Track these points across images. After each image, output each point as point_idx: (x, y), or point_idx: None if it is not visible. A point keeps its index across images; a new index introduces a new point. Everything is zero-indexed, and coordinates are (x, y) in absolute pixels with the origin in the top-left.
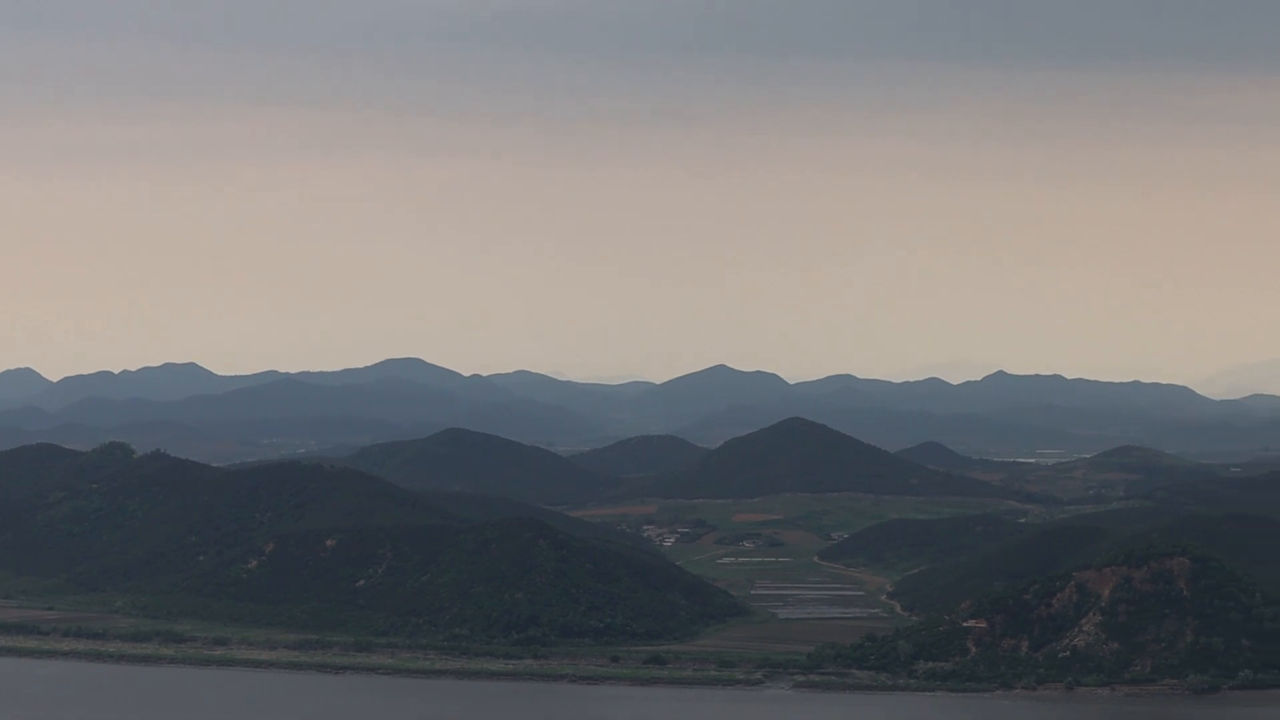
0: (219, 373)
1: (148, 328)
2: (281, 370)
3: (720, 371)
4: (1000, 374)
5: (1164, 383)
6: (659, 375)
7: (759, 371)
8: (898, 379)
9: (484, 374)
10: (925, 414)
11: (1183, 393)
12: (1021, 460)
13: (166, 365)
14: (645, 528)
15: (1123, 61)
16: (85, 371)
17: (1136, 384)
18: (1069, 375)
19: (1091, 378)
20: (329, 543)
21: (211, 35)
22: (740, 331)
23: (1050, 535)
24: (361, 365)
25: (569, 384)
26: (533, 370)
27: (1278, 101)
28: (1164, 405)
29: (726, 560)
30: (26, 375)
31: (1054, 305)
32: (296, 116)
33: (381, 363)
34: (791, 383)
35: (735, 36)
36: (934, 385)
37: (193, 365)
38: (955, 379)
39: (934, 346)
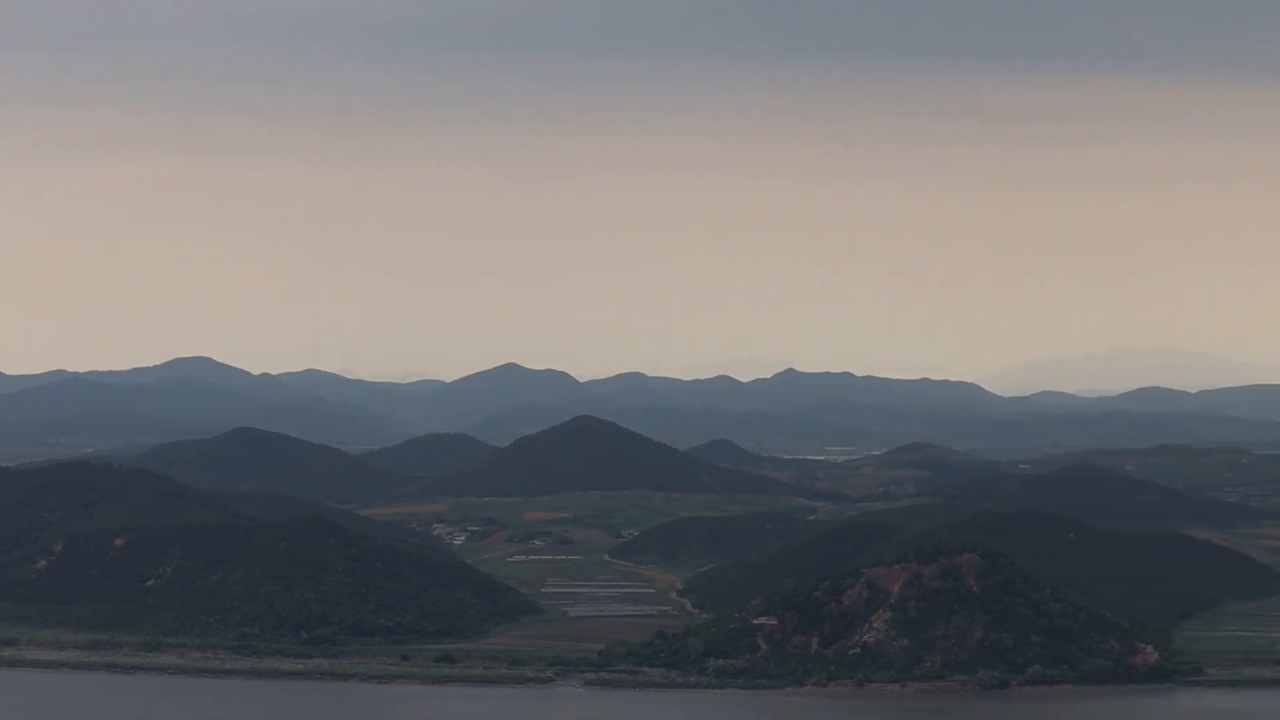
0: (6, 372)
1: None
2: (69, 369)
3: (510, 370)
4: (790, 371)
5: (953, 380)
6: (449, 374)
7: (549, 370)
8: (687, 377)
9: (273, 373)
10: (715, 411)
11: (972, 390)
12: (811, 458)
13: None
14: (435, 526)
15: (912, 59)
16: None
17: (926, 381)
18: (859, 373)
19: (881, 375)
20: (118, 542)
21: None
22: (531, 330)
23: (840, 532)
24: (150, 364)
25: (359, 382)
26: (322, 369)
27: (1068, 100)
28: (953, 402)
29: (517, 558)
30: None
31: (844, 303)
32: (81, 115)
33: (170, 362)
34: (582, 381)
35: (523, 36)
36: (724, 383)
37: None
38: (745, 377)
39: (724, 344)
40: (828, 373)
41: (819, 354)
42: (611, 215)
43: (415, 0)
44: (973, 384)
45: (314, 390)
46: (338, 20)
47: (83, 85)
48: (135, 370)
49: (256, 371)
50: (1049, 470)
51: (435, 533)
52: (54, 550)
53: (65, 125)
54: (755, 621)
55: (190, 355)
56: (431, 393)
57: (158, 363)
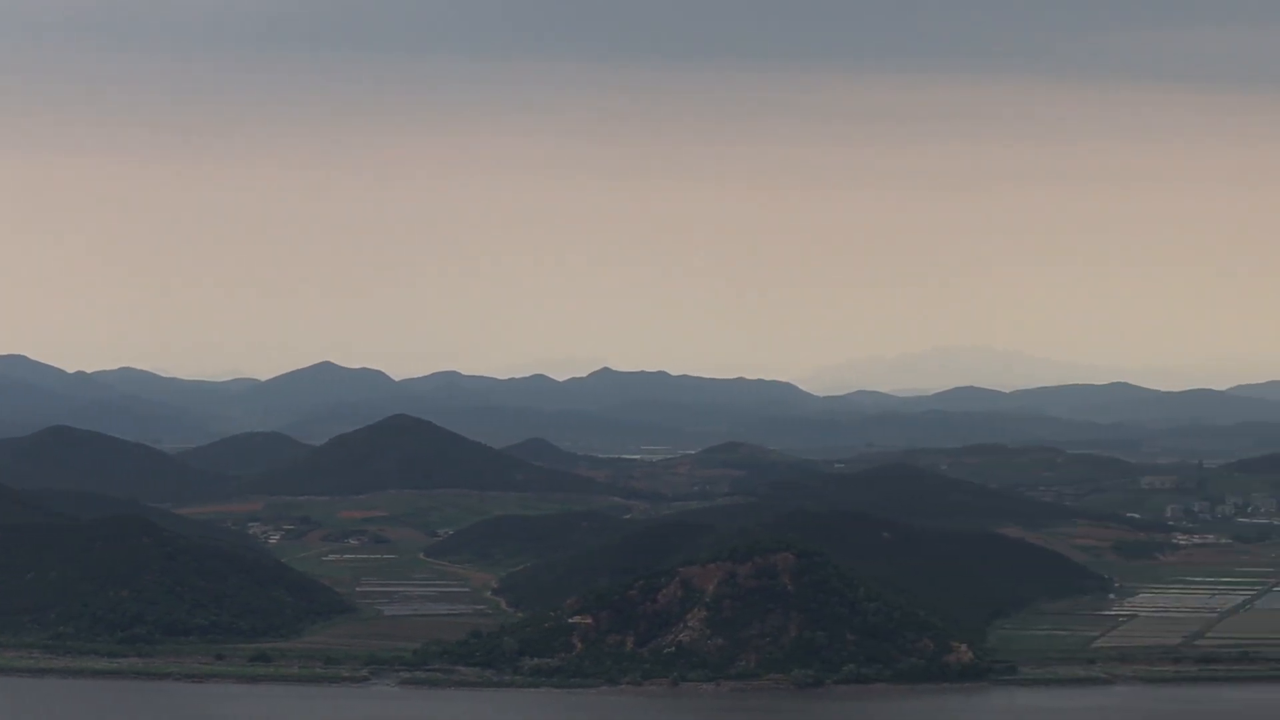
0: None
1: None
2: None
3: (326, 368)
4: (606, 370)
5: (769, 379)
6: (264, 372)
7: (365, 368)
8: (503, 376)
9: (88, 371)
10: (531, 410)
11: (787, 389)
12: (627, 456)
13: None
14: (250, 525)
15: (726, 59)
16: None
17: (741, 381)
18: (674, 372)
19: (696, 374)
20: None
21: None
22: (346, 328)
23: (655, 531)
24: None
25: (174, 381)
26: (138, 367)
27: (885, 100)
28: (768, 402)
29: (332, 557)
30: None
31: (660, 302)
32: None
33: None
34: (397, 380)
35: (338, 36)
36: (540, 382)
37: None
38: (561, 376)
39: (539, 343)
40: (643, 372)
41: (634, 353)
42: (426, 214)
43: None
44: (788, 383)
45: (130, 388)
46: (154, 18)
47: None
48: None
49: (71, 369)
50: (864, 469)
51: (251, 532)
52: None
53: None
54: (570, 620)
55: (3, 354)
56: (247, 391)
57: None
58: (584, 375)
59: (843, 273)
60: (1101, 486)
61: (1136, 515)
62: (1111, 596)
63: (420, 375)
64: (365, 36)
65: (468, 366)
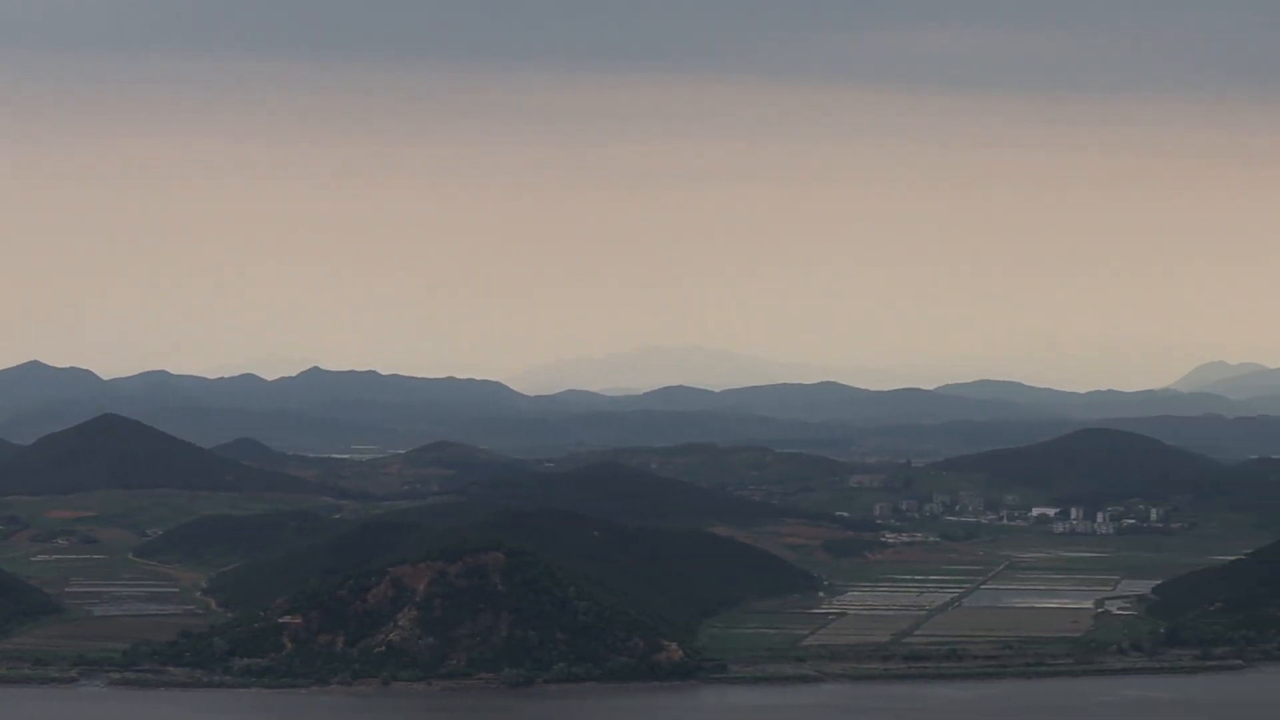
0: None
1: None
2: None
3: (33, 368)
4: (316, 370)
5: (478, 379)
6: None
7: (73, 367)
8: (212, 375)
9: None
10: (241, 410)
11: (497, 388)
12: (337, 456)
13: None
14: None
15: (435, 58)
16: None
17: (451, 380)
18: (384, 371)
19: (406, 374)
20: None
21: None
22: (54, 328)
23: (365, 531)
24: None
25: None
26: None
27: (596, 98)
28: (478, 401)
29: (40, 558)
30: None
31: (369, 301)
32: None
33: None
34: (106, 379)
35: (35, 33)
36: (249, 381)
37: None
38: (271, 375)
39: (249, 343)
40: (353, 371)
41: (344, 352)
42: (135, 214)
43: None
44: (498, 383)
45: None
46: None
47: None
48: None
49: None
50: (574, 469)
51: None
52: None
53: None
54: (280, 620)
55: None
56: None
57: None
58: (294, 375)
59: (552, 272)
60: (810, 485)
61: (845, 514)
62: (821, 595)
63: (129, 375)
64: (69, 36)
65: (177, 366)
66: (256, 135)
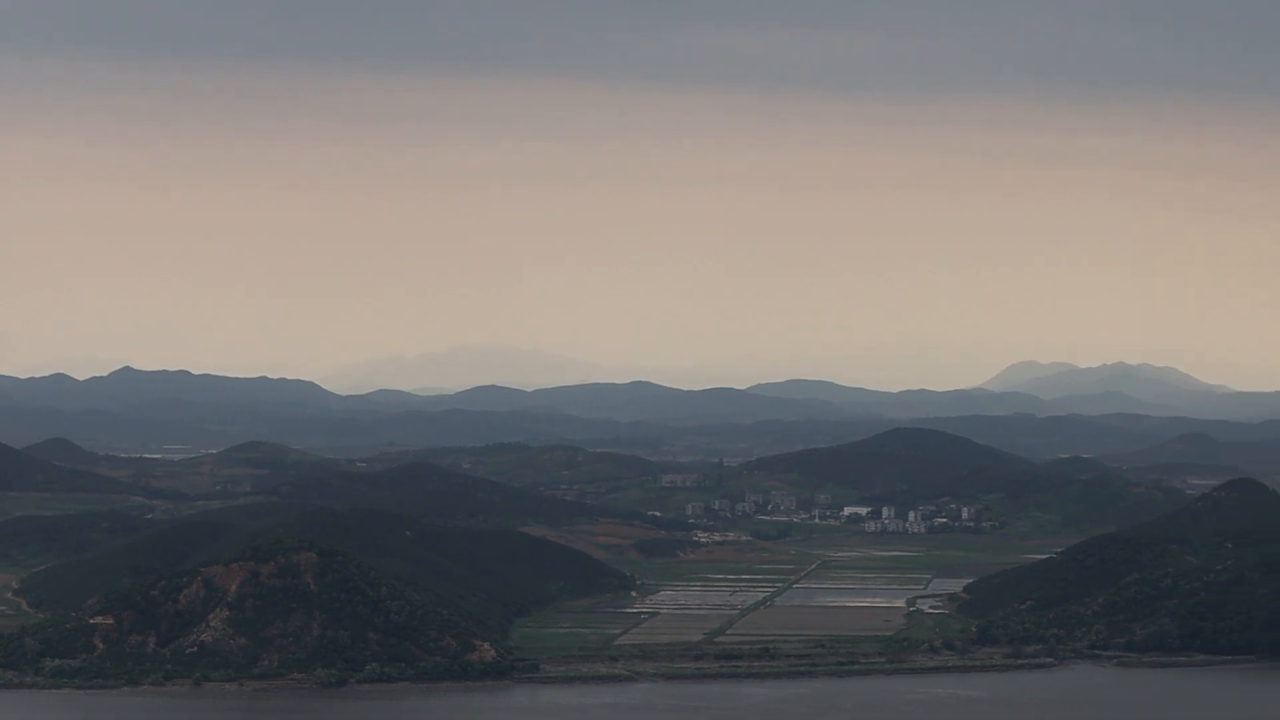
0: None
1: None
2: None
3: None
4: (127, 369)
5: (290, 378)
6: None
7: None
8: (23, 375)
9: None
10: (52, 410)
11: (309, 388)
12: (149, 456)
13: None
14: None
15: (253, 58)
16: None
17: (264, 380)
18: (196, 371)
19: (219, 373)
20: None
21: None
22: None
23: (177, 531)
24: None
25: None
26: None
27: (396, 99)
28: (291, 401)
29: None
30: None
31: (181, 301)
32: None
33: None
34: None
35: None
36: (60, 381)
37: None
38: (82, 375)
39: (60, 343)
40: (165, 370)
41: (156, 352)
42: None
43: None
44: (310, 382)
45: None
46: None
47: None
48: None
49: None
50: (386, 468)
51: None
52: None
53: None
54: (91, 621)
55: None
56: None
57: None
58: (105, 374)
59: (364, 272)
60: (623, 485)
61: (658, 513)
62: (634, 594)
63: None
64: None
65: None
66: (66, 136)
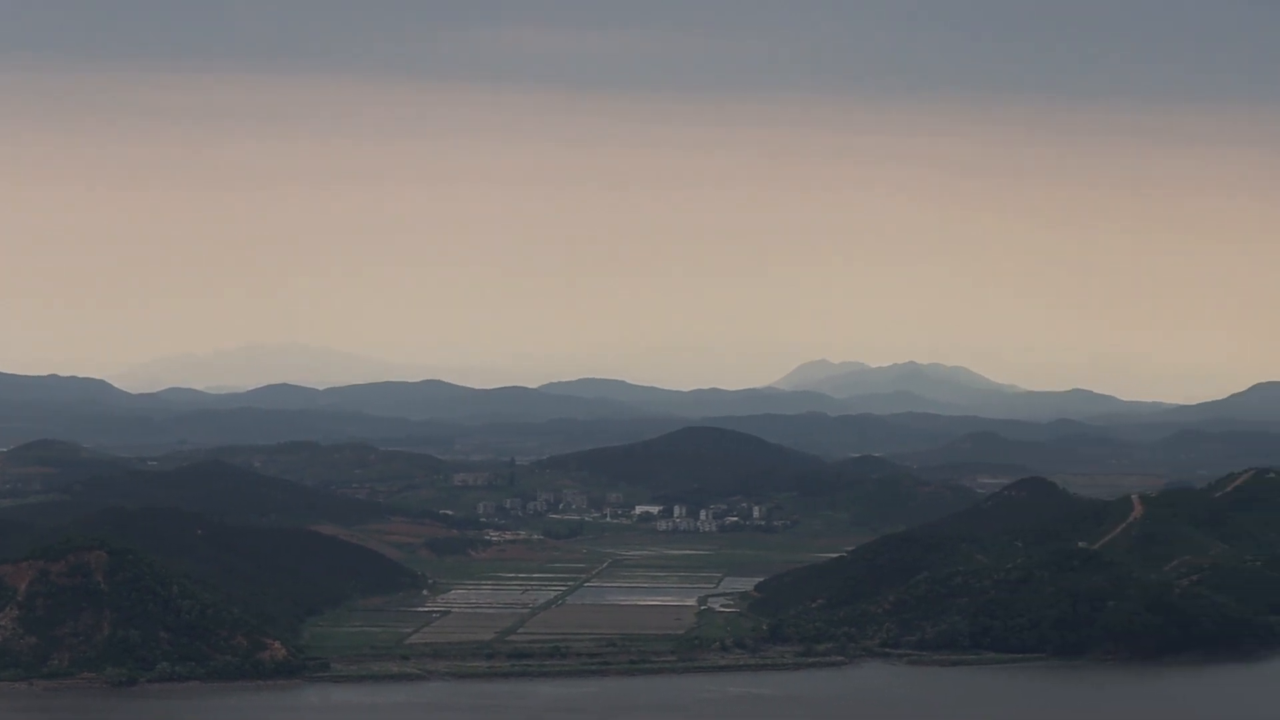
0: None
1: None
2: None
3: None
4: None
5: (81, 376)
6: None
7: None
8: None
9: None
10: None
11: (100, 386)
12: None
13: None
14: None
15: (29, 53)
16: None
17: (54, 377)
18: None
19: (7, 371)
20: None
21: None
22: None
23: None
24: None
25: None
26: None
27: (213, 99)
28: (80, 399)
29: None
30: None
31: None
32: None
33: None
34: None
35: None
36: None
37: None
38: None
39: None
40: None
41: None
42: None
43: None
44: (101, 380)
45: None
46: None
47: None
48: None
49: None
50: (177, 467)
51: None
52: None
53: None
54: None
55: None
56: None
57: None
58: None
59: (154, 269)
60: (414, 483)
61: (450, 512)
62: (425, 593)
63: None
64: None
65: None
66: None
